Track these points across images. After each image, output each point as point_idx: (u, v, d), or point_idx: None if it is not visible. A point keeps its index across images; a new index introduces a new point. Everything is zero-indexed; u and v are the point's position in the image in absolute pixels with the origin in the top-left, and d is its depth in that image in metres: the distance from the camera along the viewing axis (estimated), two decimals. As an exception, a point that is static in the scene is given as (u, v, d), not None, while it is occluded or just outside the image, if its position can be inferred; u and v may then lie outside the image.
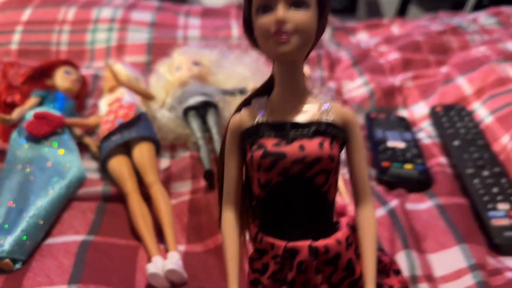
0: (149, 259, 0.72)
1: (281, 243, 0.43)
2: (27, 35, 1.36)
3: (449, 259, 0.71)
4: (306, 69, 1.03)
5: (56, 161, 0.84)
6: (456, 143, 0.97)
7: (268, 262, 0.45)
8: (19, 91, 0.99)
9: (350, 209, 0.79)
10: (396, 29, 1.61)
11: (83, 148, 0.95)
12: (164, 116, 0.99)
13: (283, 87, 0.44)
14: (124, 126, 0.90)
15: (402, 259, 0.71)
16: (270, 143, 0.43)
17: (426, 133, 1.05)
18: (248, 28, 0.44)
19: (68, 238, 0.73)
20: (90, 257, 0.69)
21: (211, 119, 0.97)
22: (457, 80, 1.15)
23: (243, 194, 0.48)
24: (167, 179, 0.88)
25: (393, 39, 1.46)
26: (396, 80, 1.24)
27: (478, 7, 2.08)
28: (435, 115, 1.07)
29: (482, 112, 1.04)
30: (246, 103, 0.47)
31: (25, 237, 0.69)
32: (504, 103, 1.01)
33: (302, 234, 0.44)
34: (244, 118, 0.45)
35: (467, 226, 0.77)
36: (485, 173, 0.87)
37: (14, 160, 0.82)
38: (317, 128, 0.43)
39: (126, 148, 0.89)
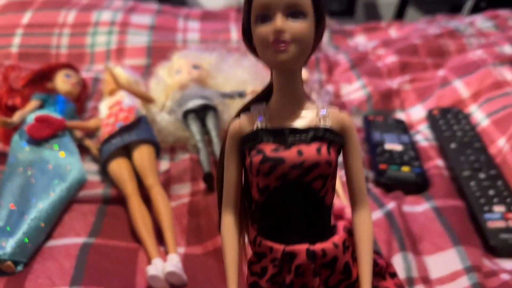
0: (149, 261, 0.72)
1: (279, 247, 0.44)
2: (27, 38, 1.37)
3: (445, 261, 0.72)
4: (304, 73, 1.04)
5: (57, 163, 0.85)
6: (453, 145, 0.98)
7: (267, 266, 0.45)
8: (20, 94, 1.00)
9: (348, 211, 0.79)
10: (393, 32, 1.62)
11: (83, 150, 0.96)
12: (164, 119, 1.00)
13: (282, 93, 0.45)
14: (125, 129, 0.91)
15: (398, 261, 0.71)
16: (269, 149, 0.44)
17: (423, 136, 1.06)
18: (247, 36, 0.45)
19: (69, 241, 0.74)
20: (91, 259, 0.70)
21: (210, 122, 0.98)
22: (454, 83, 1.16)
23: (242, 198, 0.49)
24: (167, 182, 0.89)
25: (391, 42, 1.47)
26: (394, 83, 1.25)
27: (475, 9, 2.09)
28: (432, 118, 1.08)
29: (479, 115, 1.05)
30: (245, 109, 0.48)
31: (26, 240, 0.69)
32: (500, 106, 1.02)
33: (300, 238, 0.44)
34: (244, 124, 0.46)
35: (463, 228, 0.78)
36: (482, 175, 0.88)
37: (16, 163, 0.83)
38: (315, 134, 0.44)
39: (126, 151, 0.90)
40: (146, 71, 1.30)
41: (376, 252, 0.49)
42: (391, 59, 1.34)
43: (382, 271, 0.49)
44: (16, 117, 0.91)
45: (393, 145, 0.99)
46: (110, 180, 0.88)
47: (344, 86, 1.28)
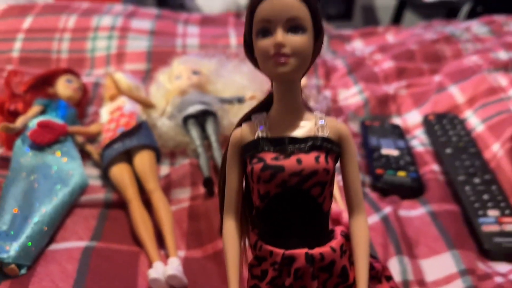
0: (150, 265, 0.73)
1: (279, 251, 0.46)
2: (28, 43, 1.38)
3: (440, 265, 0.73)
4: (303, 78, 1.06)
5: (60, 168, 0.86)
6: (448, 150, 0.99)
7: (267, 269, 0.47)
8: (22, 99, 1.01)
9: (345, 215, 0.81)
10: (390, 37, 1.63)
11: (85, 155, 0.97)
12: (164, 124, 1.01)
13: (281, 104, 0.47)
14: (126, 135, 0.92)
15: (394, 265, 0.72)
16: (269, 157, 0.45)
17: (419, 141, 1.08)
18: (249, 49, 0.46)
19: (71, 244, 0.75)
20: (93, 262, 0.71)
21: (210, 127, 0.99)
22: (450, 89, 1.18)
23: (243, 203, 0.51)
24: (167, 186, 0.90)
25: (388, 47, 1.48)
26: (390, 88, 1.27)
27: (472, 14, 2.11)
28: (428, 123, 1.10)
29: (474, 121, 1.07)
30: (246, 118, 0.50)
31: (30, 243, 0.70)
32: (495, 112, 1.04)
33: (299, 243, 0.46)
34: (245, 133, 0.48)
35: (458, 232, 0.79)
36: (476, 180, 0.89)
37: (19, 168, 0.84)
38: (313, 143, 0.45)
39: (127, 156, 0.91)
40: (146, 76, 1.31)
41: (373, 256, 0.50)
42: (387, 64, 1.36)
43: (378, 274, 0.50)
44: (19, 122, 0.92)
45: (389, 150, 1.00)
46: (111, 185, 0.89)
47: (342, 91, 1.30)
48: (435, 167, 0.97)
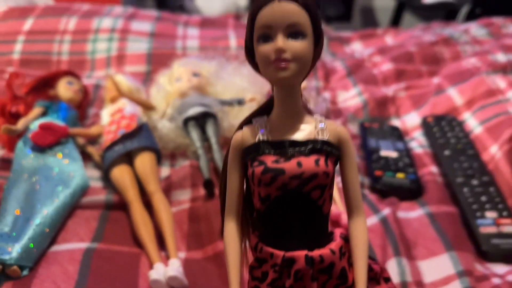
0: (151, 266, 0.74)
1: (279, 253, 0.46)
2: (29, 45, 1.38)
3: (438, 266, 0.74)
4: (303, 82, 1.07)
5: (61, 170, 0.87)
6: (446, 152, 1.00)
7: (268, 271, 0.48)
8: (23, 101, 1.01)
9: (344, 217, 0.82)
10: (389, 39, 1.64)
11: (86, 157, 0.97)
12: (165, 126, 1.02)
13: (282, 107, 0.47)
14: (127, 137, 0.92)
15: (393, 266, 0.73)
16: (270, 160, 0.46)
17: (418, 143, 1.08)
18: (250, 53, 0.47)
19: (72, 246, 0.75)
20: (94, 264, 0.71)
21: (210, 129, 1.00)
22: (448, 91, 1.19)
23: (244, 206, 0.51)
24: (168, 188, 0.91)
25: (387, 49, 1.49)
26: (389, 90, 1.28)
27: (471, 15, 2.12)
28: (426, 125, 1.11)
29: (472, 123, 1.07)
30: (247, 122, 0.50)
31: (32, 245, 0.71)
32: (493, 114, 1.04)
33: (299, 245, 0.47)
34: (246, 136, 0.49)
35: (456, 234, 0.80)
36: (474, 182, 0.90)
37: (20, 170, 0.84)
38: (313, 146, 0.46)
39: (128, 158, 0.91)
40: (146, 78, 1.32)
41: (371, 258, 0.51)
42: (386, 66, 1.37)
43: (376, 276, 0.51)
44: (20, 124, 0.92)
45: (388, 152, 1.01)
46: (112, 187, 0.90)
47: (341, 93, 1.31)
48: (433, 169, 0.98)
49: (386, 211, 0.85)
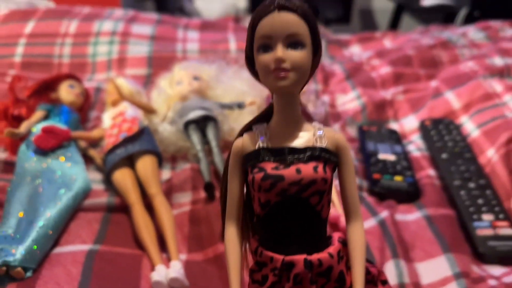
0: (152, 268, 0.75)
1: (279, 257, 0.47)
2: (30, 48, 1.38)
3: (435, 268, 0.75)
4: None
5: (63, 173, 0.87)
6: (444, 156, 1.01)
7: (267, 274, 0.49)
8: (26, 104, 1.02)
9: (343, 220, 0.82)
10: (388, 42, 1.65)
11: (87, 160, 0.98)
12: (166, 129, 1.03)
13: (281, 115, 0.49)
14: (128, 140, 0.93)
15: (391, 268, 0.74)
16: (269, 167, 0.47)
17: (415, 146, 1.09)
18: (250, 62, 0.48)
19: (75, 248, 0.76)
20: (97, 265, 0.72)
21: (210, 133, 1.01)
22: (446, 94, 1.20)
23: (244, 210, 0.53)
24: (169, 190, 0.91)
25: (385, 52, 1.50)
26: (388, 93, 1.28)
27: (469, 18, 2.13)
28: (424, 129, 1.12)
29: (469, 126, 1.08)
30: (247, 129, 0.51)
31: (35, 247, 0.71)
32: (490, 118, 1.05)
33: (298, 249, 0.48)
34: (246, 143, 0.50)
35: (453, 236, 0.81)
36: (471, 185, 0.91)
37: (23, 173, 0.86)
38: (312, 153, 0.47)
39: (129, 161, 0.92)
40: (147, 81, 1.32)
41: (369, 261, 0.52)
42: (385, 70, 1.38)
43: (374, 278, 0.52)
44: (23, 127, 0.93)
45: (386, 155, 1.02)
46: (114, 189, 0.90)
47: (340, 96, 1.32)
48: (431, 172, 0.99)
49: (384, 213, 0.86)
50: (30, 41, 1.40)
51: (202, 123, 1.02)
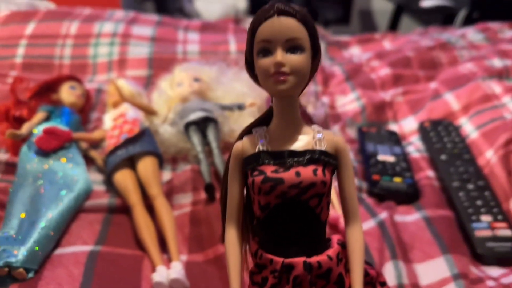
0: (153, 269, 0.75)
1: (279, 259, 0.48)
2: (31, 49, 1.39)
3: (434, 269, 0.75)
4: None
5: (65, 174, 0.88)
6: (443, 157, 1.01)
7: (267, 276, 0.49)
8: (27, 106, 1.02)
9: (342, 221, 0.83)
10: (387, 43, 1.66)
11: (89, 161, 0.98)
12: (167, 131, 1.03)
13: (281, 118, 0.49)
14: (129, 141, 0.94)
15: (390, 269, 0.74)
16: (269, 170, 0.48)
17: (415, 147, 1.10)
18: (250, 66, 0.49)
19: (77, 248, 0.77)
20: (98, 266, 0.73)
21: (211, 134, 1.01)
22: (445, 96, 1.20)
23: (244, 213, 0.53)
24: (170, 191, 0.92)
25: (385, 54, 1.51)
26: (387, 95, 1.29)
27: (468, 19, 2.14)
28: (423, 130, 1.12)
29: (468, 128, 1.09)
30: (247, 132, 0.52)
31: (37, 248, 0.72)
32: (488, 119, 1.06)
33: (298, 251, 0.48)
34: (246, 146, 0.50)
35: (452, 237, 0.81)
36: (470, 186, 0.92)
37: (25, 174, 0.86)
38: (311, 156, 0.48)
39: (130, 162, 0.93)
40: (148, 82, 1.33)
41: (367, 263, 0.53)
42: (384, 71, 1.38)
43: (373, 280, 0.52)
44: (24, 129, 0.94)
45: (385, 156, 1.02)
46: (115, 190, 0.91)
47: (339, 98, 1.32)
48: (430, 173, 0.99)
49: (383, 215, 0.86)
50: (31, 42, 1.41)
51: (203, 124, 1.03)
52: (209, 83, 1.13)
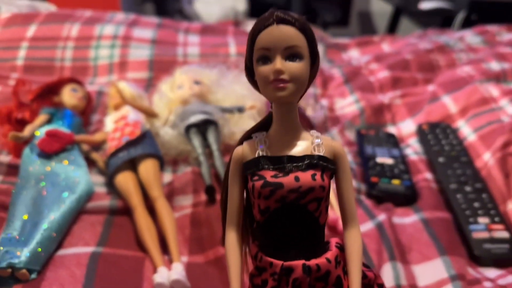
0: (154, 270, 0.76)
1: (278, 262, 0.49)
2: (32, 51, 1.39)
3: (431, 270, 0.76)
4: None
5: (67, 176, 0.89)
6: (441, 159, 1.02)
7: (267, 279, 0.50)
8: (29, 108, 1.03)
9: (341, 222, 0.84)
10: (386, 46, 1.67)
11: (90, 163, 0.99)
12: (167, 133, 1.04)
13: (280, 124, 0.50)
14: (130, 144, 0.94)
15: (388, 270, 0.75)
16: (269, 175, 0.49)
17: (413, 150, 1.11)
18: (250, 73, 0.50)
19: (79, 250, 0.77)
20: (100, 267, 0.74)
21: (211, 136, 1.02)
22: (443, 98, 1.21)
23: (244, 216, 0.54)
24: (170, 193, 0.93)
25: (383, 57, 1.51)
26: (385, 98, 1.30)
27: (467, 22, 2.15)
28: (421, 133, 1.13)
29: (466, 130, 1.10)
30: (247, 137, 0.53)
31: (40, 249, 0.73)
32: (486, 122, 1.07)
33: (297, 254, 0.49)
34: (246, 151, 0.51)
35: (449, 239, 0.82)
36: (468, 188, 0.92)
37: (27, 176, 0.87)
38: (310, 161, 0.49)
39: (132, 164, 0.93)
40: (148, 84, 1.34)
41: (365, 265, 0.54)
42: (383, 74, 1.39)
43: (371, 282, 0.53)
44: (27, 131, 0.94)
45: (384, 159, 1.03)
46: (117, 192, 0.92)
47: (338, 100, 1.33)
48: (428, 175, 1.00)
49: (381, 216, 0.87)
50: (32, 45, 1.41)
51: (203, 127, 1.04)
52: (209, 85, 1.14)
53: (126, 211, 0.89)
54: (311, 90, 1.35)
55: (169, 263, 0.78)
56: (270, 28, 0.46)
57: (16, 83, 1.06)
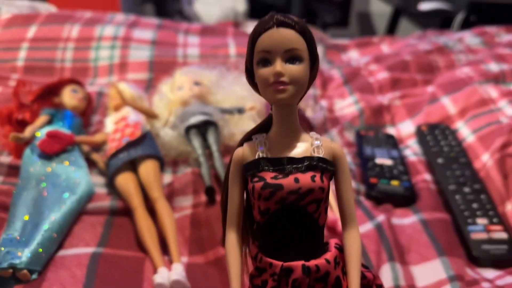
0: (155, 270, 0.76)
1: (278, 263, 0.49)
2: (33, 52, 1.40)
3: (430, 271, 0.76)
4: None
5: (67, 177, 0.89)
6: (440, 160, 1.03)
7: (267, 279, 0.50)
8: (29, 109, 1.04)
9: (340, 223, 0.84)
10: (385, 47, 1.67)
11: (90, 164, 0.99)
12: (167, 134, 1.04)
13: (280, 126, 0.50)
14: (131, 145, 0.95)
15: (387, 271, 0.76)
16: (269, 176, 0.49)
17: (412, 151, 1.11)
18: (250, 75, 0.50)
19: (79, 250, 0.78)
20: (100, 268, 0.74)
21: (211, 137, 1.03)
22: (442, 100, 1.21)
23: (244, 217, 0.54)
24: (171, 194, 0.93)
25: (383, 58, 1.52)
26: (385, 99, 1.30)
27: (466, 23, 2.15)
28: (420, 134, 1.13)
29: (465, 131, 1.10)
30: (247, 138, 0.53)
31: (41, 250, 0.73)
32: (484, 123, 1.07)
33: (297, 255, 0.50)
34: (246, 152, 0.51)
35: (448, 240, 0.83)
36: (466, 189, 0.93)
37: (28, 177, 0.87)
38: (310, 163, 0.49)
39: (132, 165, 0.94)
40: (148, 85, 1.34)
41: (364, 266, 0.54)
42: (382, 75, 1.40)
43: (369, 283, 0.54)
44: (27, 132, 0.95)
45: (383, 160, 1.04)
46: (117, 193, 0.92)
47: (338, 101, 1.33)
48: (427, 176, 1.01)
49: (380, 217, 0.88)
50: (33, 46, 1.41)
51: (203, 128, 1.04)
52: (209, 86, 1.14)
53: (126, 211, 0.89)
54: (310, 91, 1.35)
55: (169, 263, 0.79)
56: (270, 31, 0.47)
57: (16, 84, 1.07)
